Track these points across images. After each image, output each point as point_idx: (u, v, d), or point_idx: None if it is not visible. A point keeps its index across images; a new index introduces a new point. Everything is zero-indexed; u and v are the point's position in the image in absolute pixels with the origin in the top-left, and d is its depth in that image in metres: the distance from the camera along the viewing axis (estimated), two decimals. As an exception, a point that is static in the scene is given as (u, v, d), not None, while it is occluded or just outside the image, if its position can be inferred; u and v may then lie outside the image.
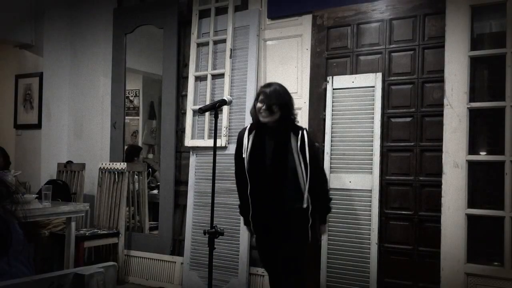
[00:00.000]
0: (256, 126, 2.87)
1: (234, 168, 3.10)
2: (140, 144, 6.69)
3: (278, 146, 2.79)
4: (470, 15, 3.04)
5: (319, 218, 2.87)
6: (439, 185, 3.06)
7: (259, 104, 2.78)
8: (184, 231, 4.18)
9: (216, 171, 2.90)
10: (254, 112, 2.84)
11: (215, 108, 2.84)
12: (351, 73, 3.49)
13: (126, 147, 6.01)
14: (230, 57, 3.98)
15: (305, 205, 2.74)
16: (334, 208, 3.40)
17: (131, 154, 5.69)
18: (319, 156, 3.00)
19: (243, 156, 2.84)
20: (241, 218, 3.15)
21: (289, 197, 2.75)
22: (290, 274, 2.78)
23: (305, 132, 2.81)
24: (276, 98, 2.76)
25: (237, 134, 3.01)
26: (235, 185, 2.99)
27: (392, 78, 3.36)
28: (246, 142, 2.85)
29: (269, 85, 2.88)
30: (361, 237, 3.31)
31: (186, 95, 4.28)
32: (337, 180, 3.42)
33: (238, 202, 2.99)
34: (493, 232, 2.96)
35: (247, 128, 2.91)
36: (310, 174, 2.74)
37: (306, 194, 2.74)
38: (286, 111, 2.80)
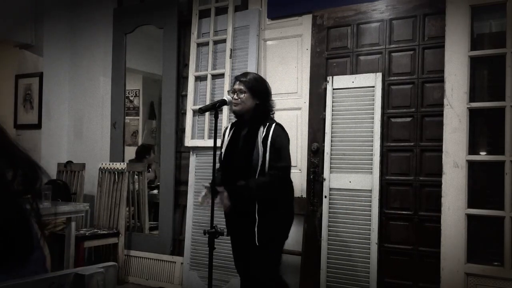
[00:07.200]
0: (236, 120, 2.83)
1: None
2: (139, 144, 6.69)
3: (246, 141, 2.69)
4: (470, 15, 3.04)
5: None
6: (439, 185, 3.06)
7: (231, 94, 2.75)
8: (184, 231, 4.18)
9: (216, 171, 2.90)
10: (231, 106, 2.79)
11: (215, 108, 2.83)
12: (351, 73, 3.49)
13: (137, 146, 6.10)
14: (230, 57, 3.98)
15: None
16: (334, 208, 3.41)
17: (142, 153, 5.75)
18: (284, 153, 2.67)
19: (222, 151, 2.82)
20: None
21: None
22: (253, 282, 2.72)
23: (273, 125, 2.66)
24: (246, 85, 2.69)
25: None
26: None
27: (392, 78, 3.36)
28: (226, 137, 2.82)
29: (243, 74, 2.84)
30: (361, 237, 3.31)
31: (186, 95, 4.28)
32: (337, 180, 3.42)
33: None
34: (493, 232, 2.96)
35: (231, 123, 2.90)
36: (268, 170, 2.59)
37: None
38: (260, 99, 2.71)
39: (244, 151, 2.66)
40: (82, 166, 4.72)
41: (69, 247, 3.75)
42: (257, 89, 2.71)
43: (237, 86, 2.73)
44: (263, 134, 2.61)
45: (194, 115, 4.18)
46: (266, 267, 2.70)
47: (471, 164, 3.01)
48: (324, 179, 3.46)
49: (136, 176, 4.69)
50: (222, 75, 4.03)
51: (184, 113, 4.29)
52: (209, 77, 4.10)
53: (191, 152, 4.18)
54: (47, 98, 5.07)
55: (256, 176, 2.61)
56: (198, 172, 4.11)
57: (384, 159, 3.34)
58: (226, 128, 2.91)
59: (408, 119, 3.30)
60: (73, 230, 3.78)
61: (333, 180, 3.43)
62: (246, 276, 2.84)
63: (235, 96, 2.72)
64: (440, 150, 3.08)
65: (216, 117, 2.88)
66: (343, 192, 3.40)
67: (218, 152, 2.80)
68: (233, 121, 2.91)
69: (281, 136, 2.66)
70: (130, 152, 5.88)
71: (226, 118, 3.90)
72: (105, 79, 4.89)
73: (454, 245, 2.98)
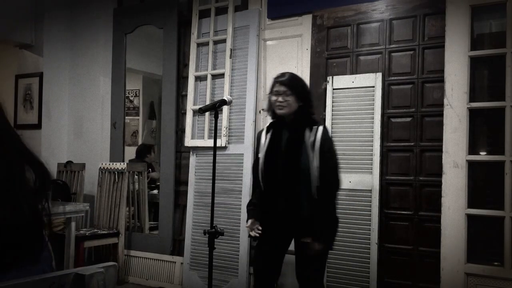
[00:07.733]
0: (274, 122, 2.67)
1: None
2: (139, 144, 6.69)
3: (292, 144, 2.55)
4: (470, 15, 3.04)
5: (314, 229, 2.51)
6: (439, 185, 3.06)
7: (273, 97, 2.58)
8: (184, 231, 4.18)
9: (216, 171, 2.90)
10: (270, 107, 2.64)
11: (215, 108, 2.84)
12: (351, 73, 3.49)
13: (137, 146, 6.11)
14: (230, 57, 3.98)
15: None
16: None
17: (143, 152, 5.76)
18: (335, 156, 2.62)
19: (259, 155, 2.64)
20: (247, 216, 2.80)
21: (301, 204, 2.51)
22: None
23: (321, 128, 2.55)
24: (291, 87, 2.56)
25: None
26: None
27: (392, 78, 3.36)
28: (264, 140, 2.65)
29: (283, 74, 2.65)
30: (361, 237, 3.31)
31: (186, 95, 4.28)
32: (337, 180, 3.42)
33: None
34: (493, 232, 2.96)
35: (267, 126, 2.73)
36: (321, 176, 2.47)
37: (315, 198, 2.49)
38: (304, 101, 2.59)
39: (290, 156, 2.53)
40: (82, 166, 4.73)
41: (69, 247, 3.75)
42: (302, 91, 2.61)
43: (280, 88, 2.56)
44: (311, 138, 2.51)
45: (194, 115, 4.18)
46: (315, 273, 2.64)
47: (471, 164, 3.01)
48: (324, 179, 3.45)
49: (136, 176, 4.69)
50: (222, 75, 4.03)
51: (184, 113, 4.29)
52: (209, 77, 4.10)
53: (191, 152, 4.18)
54: (47, 98, 5.07)
55: (307, 180, 2.49)
56: (198, 172, 4.11)
57: (384, 159, 3.34)
58: (261, 132, 2.73)
59: (408, 119, 3.30)
60: (73, 230, 3.78)
61: (333, 180, 3.43)
62: (267, 282, 2.73)
63: (280, 99, 2.54)
64: (440, 150, 3.09)
65: (216, 117, 2.88)
66: (343, 192, 3.39)
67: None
68: (266, 124, 2.76)
69: (330, 139, 2.60)
70: (130, 152, 5.88)
71: (226, 118, 3.90)
72: (105, 79, 4.89)
73: (454, 245, 2.98)
